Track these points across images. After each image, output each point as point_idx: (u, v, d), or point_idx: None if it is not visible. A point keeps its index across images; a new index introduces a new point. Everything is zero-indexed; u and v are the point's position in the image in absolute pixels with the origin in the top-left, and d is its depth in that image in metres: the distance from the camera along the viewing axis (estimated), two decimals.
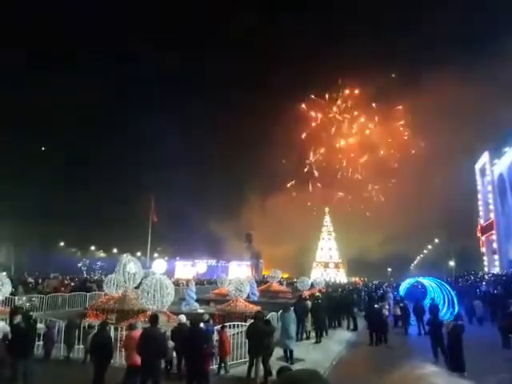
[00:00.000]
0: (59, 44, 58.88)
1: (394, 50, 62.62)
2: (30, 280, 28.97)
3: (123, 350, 8.68)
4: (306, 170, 69.65)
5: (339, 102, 69.08)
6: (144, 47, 65.49)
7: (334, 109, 69.66)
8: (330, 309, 16.41)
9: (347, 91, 68.20)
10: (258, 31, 64.57)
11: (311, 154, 69.58)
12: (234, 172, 63.92)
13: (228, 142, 66.55)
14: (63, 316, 13.30)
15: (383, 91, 63.37)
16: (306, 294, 20.86)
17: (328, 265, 70.05)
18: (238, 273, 52.08)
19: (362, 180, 67.50)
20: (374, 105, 66.11)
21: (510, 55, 43.86)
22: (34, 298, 18.79)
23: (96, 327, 9.60)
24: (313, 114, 69.95)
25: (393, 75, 59.14)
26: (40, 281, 29.02)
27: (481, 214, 49.36)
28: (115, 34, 61.60)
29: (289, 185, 68.20)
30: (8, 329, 8.53)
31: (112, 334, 9.99)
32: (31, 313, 15.31)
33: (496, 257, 43.89)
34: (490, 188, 45.76)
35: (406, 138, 64.90)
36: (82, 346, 10.83)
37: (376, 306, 15.44)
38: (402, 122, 65.45)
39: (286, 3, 73.07)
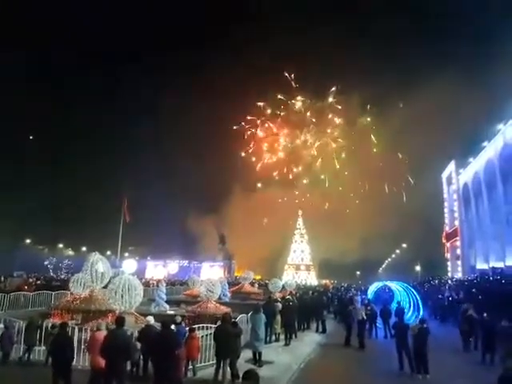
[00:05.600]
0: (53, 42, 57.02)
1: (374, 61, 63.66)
2: None
3: (87, 352, 8.43)
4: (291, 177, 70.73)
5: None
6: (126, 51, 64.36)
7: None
8: (301, 311, 16.57)
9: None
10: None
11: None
12: (209, 172, 63.38)
13: (204, 141, 65.92)
14: (25, 316, 12.79)
15: (353, 103, 65.37)
16: (278, 295, 20.94)
17: (299, 267, 70.65)
18: (211, 274, 51.71)
19: (335, 185, 68.55)
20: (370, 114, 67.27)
21: (478, 64, 45.86)
22: None
23: (55, 329, 9.27)
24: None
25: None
26: (2, 279, 27.86)
27: (446, 221, 51.27)
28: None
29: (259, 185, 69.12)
30: None
31: (76, 335, 9.71)
32: None
33: (459, 262, 45.65)
34: (455, 196, 47.53)
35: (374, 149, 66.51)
36: (43, 348, 10.43)
37: (351, 308, 15.79)
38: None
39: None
